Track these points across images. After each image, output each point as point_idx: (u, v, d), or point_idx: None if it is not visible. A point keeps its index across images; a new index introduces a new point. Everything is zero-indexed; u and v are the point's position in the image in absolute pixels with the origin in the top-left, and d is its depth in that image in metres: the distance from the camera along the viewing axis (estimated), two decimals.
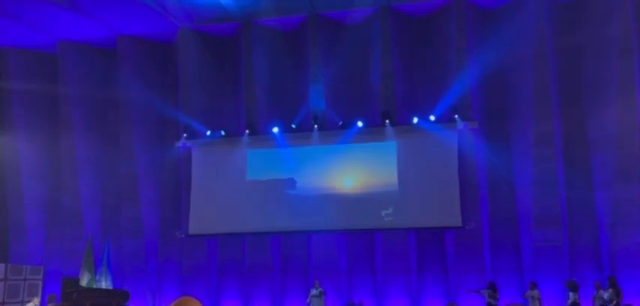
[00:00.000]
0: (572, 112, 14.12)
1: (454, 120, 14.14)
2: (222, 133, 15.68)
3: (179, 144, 15.90)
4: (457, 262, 14.21)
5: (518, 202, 14.18)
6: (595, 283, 12.40)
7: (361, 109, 14.99)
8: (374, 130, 14.84)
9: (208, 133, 15.69)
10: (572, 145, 14.02)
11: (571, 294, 11.96)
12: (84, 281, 13.97)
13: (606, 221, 13.50)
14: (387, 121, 14.58)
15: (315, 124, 15.00)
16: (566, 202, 13.85)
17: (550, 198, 13.73)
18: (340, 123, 14.95)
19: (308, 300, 13.54)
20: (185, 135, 15.78)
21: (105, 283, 14.41)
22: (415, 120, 14.47)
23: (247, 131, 15.44)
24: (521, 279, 13.83)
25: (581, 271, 13.34)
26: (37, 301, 14.02)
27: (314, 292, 13.47)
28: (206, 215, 15.56)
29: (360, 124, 14.76)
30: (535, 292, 12.35)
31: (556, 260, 13.57)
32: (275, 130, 15.22)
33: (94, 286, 14.05)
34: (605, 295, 11.73)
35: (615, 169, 13.47)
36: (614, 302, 11.48)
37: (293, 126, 15.27)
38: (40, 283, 15.12)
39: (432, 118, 14.31)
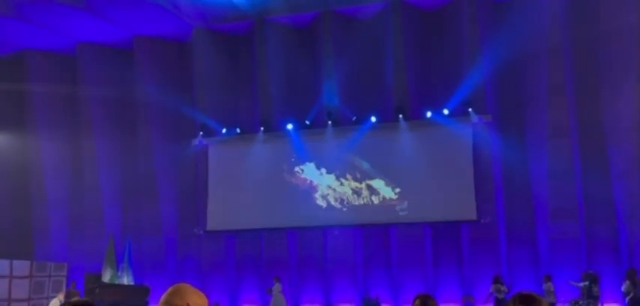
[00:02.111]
0: (587, 103, 13.93)
1: (468, 113, 14.09)
2: (238, 130, 15.89)
3: (196, 142, 16.16)
4: (473, 255, 14.20)
5: (533, 195, 14.09)
6: (494, 277, 12.61)
7: (374, 104, 15.02)
8: (388, 124, 14.88)
9: (224, 130, 15.91)
10: (589, 137, 13.84)
11: (586, 283, 11.95)
12: (106, 277, 14.34)
13: (624, 213, 13.34)
14: (401, 115, 14.60)
15: (329, 119, 15.09)
16: (583, 194, 13.71)
17: (566, 190, 13.62)
18: (354, 118, 15.01)
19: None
20: (201, 133, 16.02)
21: (126, 280, 14.76)
22: (428, 114, 14.45)
23: (262, 128, 15.61)
24: (538, 272, 13.74)
25: (599, 264, 13.23)
26: (62, 297, 14.43)
27: (276, 287, 13.75)
28: (223, 212, 15.81)
29: (373, 119, 14.79)
30: (549, 285, 12.33)
31: (573, 253, 13.47)
32: (289, 126, 15.35)
33: (116, 283, 14.42)
34: (622, 287, 11.66)
35: (633, 160, 13.29)
36: (631, 295, 11.39)
37: (307, 122, 15.38)
38: (65, 280, 15.55)
39: (446, 112, 14.27)
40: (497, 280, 12.64)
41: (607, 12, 13.78)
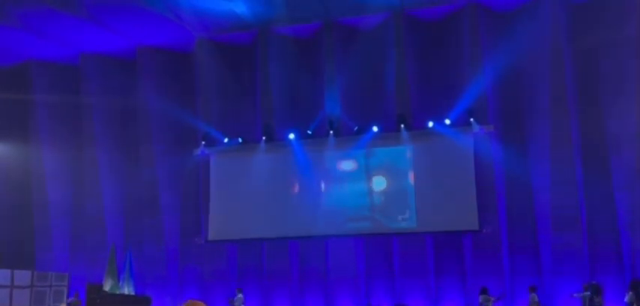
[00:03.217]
0: (589, 112, 13.95)
1: (470, 123, 14.11)
2: (240, 140, 15.90)
3: (197, 151, 16.18)
4: (475, 265, 14.17)
5: (536, 205, 14.06)
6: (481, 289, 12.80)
7: (376, 114, 15.05)
8: (389, 134, 14.90)
9: (226, 140, 15.93)
10: (591, 146, 13.86)
11: (587, 293, 11.93)
12: (107, 287, 14.31)
13: (627, 222, 13.29)
14: (403, 125, 14.62)
15: (331, 129, 15.11)
16: (585, 203, 13.69)
17: (568, 200, 13.59)
18: (355, 128, 15.04)
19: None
20: (203, 142, 16.05)
21: (127, 289, 14.73)
22: (430, 124, 14.48)
23: (264, 138, 15.63)
24: (541, 282, 13.71)
25: (602, 274, 13.20)
26: None
27: (238, 298, 13.85)
28: (225, 221, 15.80)
29: (375, 129, 14.82)
30: (533, 296, 12.37)
31: (576, 263, 13.43)
32: (291, 136, 15.37)
33: (117, 292, 14.37)
34: (626, 298, 11.62)
35: (635, 169, 13.27)
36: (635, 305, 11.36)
37: (309, 132, 15.41)
38: (66, 290, 15.51)
39: (448, 121, 14.30)
40: (483, 291, 12.74)
41: (607, 22, 13.84)
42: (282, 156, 15.60)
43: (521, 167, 14.20)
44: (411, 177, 14.64)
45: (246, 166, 15.82)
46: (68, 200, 17.27)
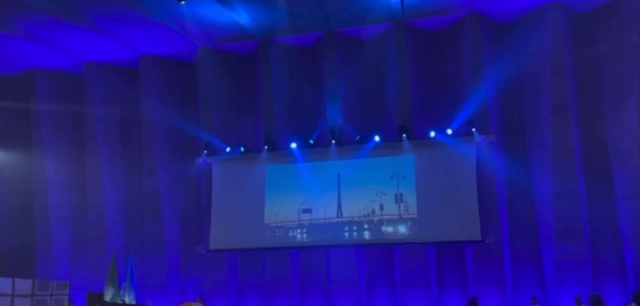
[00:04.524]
0: (591, 123, 13.95)
1: (472, 134, 14.10)
2: (242, 149, 15.94)
3: (200, 160, 16.22)
4: (477, 276, 14.10)
5: (538, 216, 14.02)
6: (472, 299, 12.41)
7: (378, 124, 15.08)
8: (391, 144, 14.91)
9: (228, 149, 15.96)
10: (593, 157, 13.84)
11: None
12: (108, 297, 14.23)
13: (629, 234, 13.23)
14: (404, 135, 14.63)
15: (333, 139, 15.12)
16: (588, 215, 13.64)
17: (571, 211, 13.52)
18: (357, 138, 15.05)
19: None
20: (205, 152, 16.08)
21: (128, 299, 14.63)
22: (432, 134, 14.49)
23: (266, 147, 15.66)
24: (544, 293, 13.65)
25: (605, 285, 13.13)
26: None
27: None
28: (226, 230, 15.77)
29: (377, 138, 14.83)
30: None
31: (579, 274, 13.35)
32: (293, 145, 15.40)
33: (118, 302, 14.30)
34: None
35: (637, 180, 13.20)
36: None
37: (311, 141, 15.42)
38: (66, 299, 15.42)
39: (449, 132, 14.31)
40: (473, 303, 12.61)
41: (609, 32, 13.88)
42: (284, 165, 15.61)
43: (523, 177, 14.19)
44: (412, 187, 14.61)
45: (248, 175, 15.84)
46: (70, 209, 17.31)
